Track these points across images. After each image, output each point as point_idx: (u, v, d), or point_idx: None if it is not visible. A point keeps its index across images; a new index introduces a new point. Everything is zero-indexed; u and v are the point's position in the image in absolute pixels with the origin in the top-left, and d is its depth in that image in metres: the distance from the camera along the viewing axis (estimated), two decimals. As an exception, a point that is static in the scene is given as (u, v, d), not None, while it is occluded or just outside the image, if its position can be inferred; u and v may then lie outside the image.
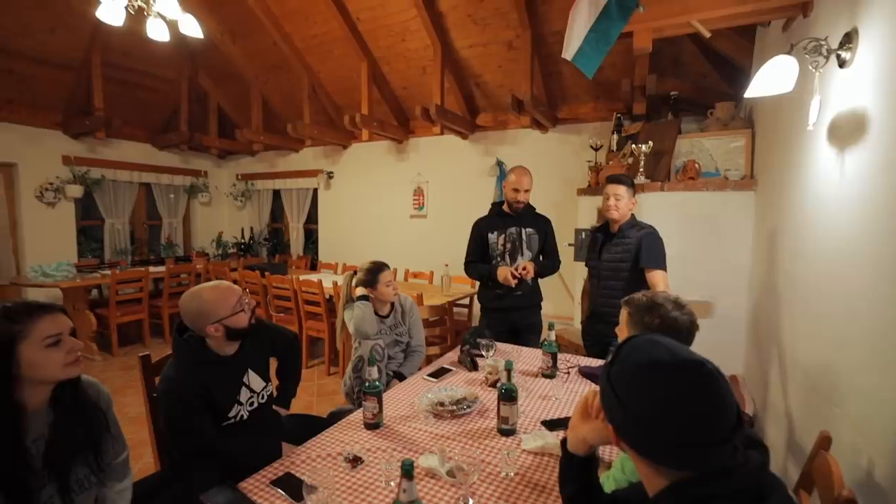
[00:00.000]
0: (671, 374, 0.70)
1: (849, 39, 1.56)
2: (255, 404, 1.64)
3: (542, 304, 2.82)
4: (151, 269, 5.09)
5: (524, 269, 2.51)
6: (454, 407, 1.69)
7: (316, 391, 3.72)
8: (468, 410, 1.69)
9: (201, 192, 6.84)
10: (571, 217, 3.97)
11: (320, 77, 5.34)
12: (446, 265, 4.18)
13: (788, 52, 1.68)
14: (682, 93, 3.56)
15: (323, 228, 6.44)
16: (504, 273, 2.53)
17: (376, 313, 2.25)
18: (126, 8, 2.58)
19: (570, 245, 3.71)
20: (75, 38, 4.71)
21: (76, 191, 5.37)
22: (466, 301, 4.38)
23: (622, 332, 1.42)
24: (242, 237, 6.88)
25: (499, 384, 1.60)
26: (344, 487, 1.26)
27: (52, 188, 5.23)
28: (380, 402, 1.60)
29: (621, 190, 2.31)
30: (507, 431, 1.55)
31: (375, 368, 1.61)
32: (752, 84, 1.79)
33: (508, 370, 1.58)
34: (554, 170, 4.50)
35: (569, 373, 2.09)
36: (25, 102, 4.97)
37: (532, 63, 3.99)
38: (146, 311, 4.78)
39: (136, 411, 2.93)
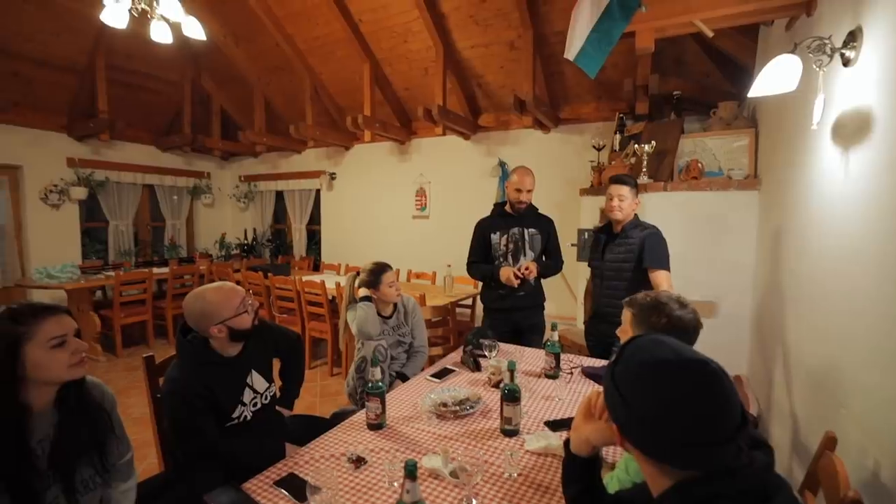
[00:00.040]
0: (676, 373, 0.70)
1: (853, 38, 1.55)
2: (259, 405, 1.64)
3: (545, 304, 2.82)
4: (155, 270, 5.11)
5: (527, 268, 2.51)
6: (457, 407, 1.69)
7: (319, 392, 3.72)
8: (471, 411, 1.69)
9: (204, 194, 6.87)
10: (574, 217, 3.96)
11: (322, 78, 5.35)
12: (449, 266, 4.18)
13: (792, 51, 1.67)
14: (684, 92, 3.55)
15: (326, 229, 6.45)
16: (507, 273, 2.53)
17: (379, 314, 2.25)
18: (130, 11, 2.59)
19: (572, 245, 3.70)
20: (79, 41, 4.74)
21: (80, 193, 5.40)
22: (469, 301, 4.38)
23: (625, 332, 1.41)
24: (245, 238, 6.91)
25: (502, 385, 1.59)
26: (347, 488, 1.26)
27: (56, 190, 5.26)
28: (383, 403, 1.60)
29: (625, 190, 2.31)
30: (510, 432, 1.55)
31: (378, 369, 1.61)
32: (756, 83, 1.78)
33: (511, 371, 1.58)
34: (556, 170, 4.49)
35: (572, 373, 2.09)
36: (30, 105, 5.00)
37: (534, 63, 3.99)
38: (150, 312, 4.79)
39: (141, 412, 2.94)
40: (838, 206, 1.67)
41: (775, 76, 1.71)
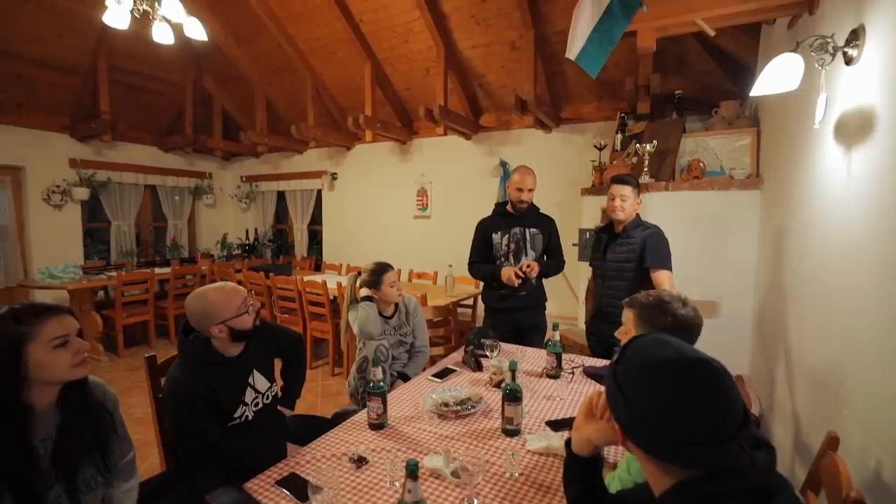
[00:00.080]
0: (678, 372, 0.70)
1: (855, 36, 1.55)
2: (260, 405, 1.64)
3: (547, 304, 2.82)
4: (157, 270, 5.13)
5: (528, 266, 2.51)
6: (458, 407, 1.69)
7: (320, 392, 3.72)
8: (472, 411, 1.69)
9: (206, 194, 6.89)
10: (575, 217, 3.96)
11: (324, 79, 5.36)
12: (450, 266, 4.18)
13: (794, 50, 1.67)
14: (686, 92, 3.54)
15: (327, 229, 6.46)
16: (508, 273, 2.53)
17: (380, 314, 2.25)
18: (131, 12, 2.60)
19: (574, 245, 3.70)
20: (82, 42, 4.75)
21: (82, 193, 5.42)
22: (470, 301, 4.38)
23: (627, 333, 1.41)
24: (247, 238, 6.92)
25: (503, 384, 1.59)
26: (349, 488, 1.26)
27: (58, 191, 5.28)
28: (384, 403, 1.60)
29: (627, 190, 2.30)
30: (511, 432, 1.54)
31: (380, 369, 1.61)
32: (758, 82, 1.78)
33: (513, 370, 1.57)
34: (558, 170, 4.49)
35: (573, 373, 2.08)
36: (33, 106, 5.02)
37: (535, 63, 3.99)
38: (152, 312, 4.81)
39: (143, 412, 2.95)
40: (840, 205, 1.67)
41: (777, 75, 1.70)
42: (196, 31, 2.80)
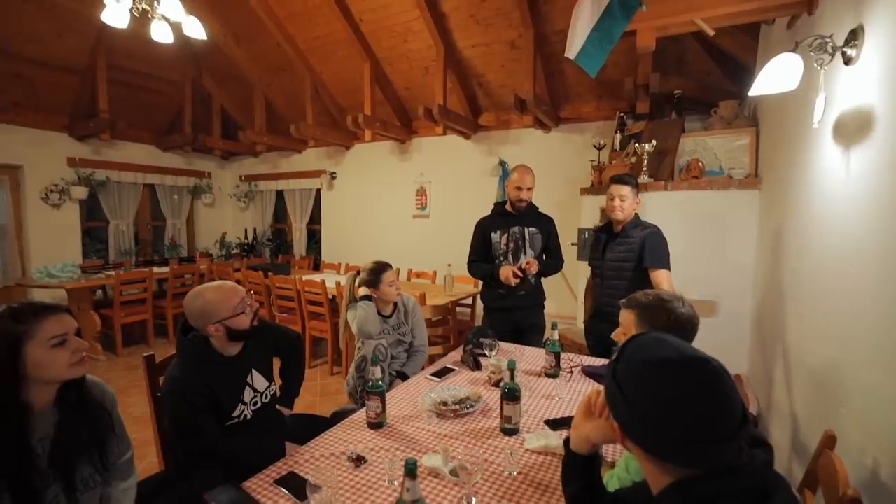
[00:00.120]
0: (678, 371, 0.70)
1: (854, 37, 1.55)
2: (259, 404, 1.64)
3: (545, 303, 2.82)
4: (155, 269, 5.12)
5: (528, 263, 2.51)
6: (457, 406, 1.69)
7: (319, 391, 3.72)
8: (471, 410, 1.69)
9: (205, 193, 6.88)
10: (574, 216, 3.96)
11: (323, 78, 5.35)
12: (449, 265, 4.18)
13: (793, 50, 1.67)
14: (685, 91, 3.54)
15: (326, 229, 6.46)
16: (506, 273, 2.53)
17: (379, 313, 2.25)
18: (130, 11, 2.60)
19: (573, 244, 3.70)
20: (81, 41, 4.74)
21: (81, 192, 5.41)
22: (469, 301, 4.38)
23: (626, 334, 1.40)
24: (246, 238, 6.91)
25: (502, 384, 1.59)
26: (347, 486, 1.26)
27: (57, 190, 5.27)
28: (383, 402, 1.60)
29: (626, 190, 2.30)
30: (510, 431, 1.55)
31: (378, 368, 1.61)
32: (757, 82, 1.78)
33: (511, 370, 1.58)
34: (557, 169, 4.49)
35: (572, 372, 2.09)
36: (32, 105, 5.01)
37: (535, 62, 3.99)
38: (150, 311, 4.80)
39: (141, 411, 2.94)
40: (839, 205, 1.67)
41: (776, 75, 1.70)
42: (195, 30, 2.79)
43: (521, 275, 2.52)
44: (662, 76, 3.52)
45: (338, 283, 3.97)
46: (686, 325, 1.27)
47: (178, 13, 2.68)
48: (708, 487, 0.66)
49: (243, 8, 4.62)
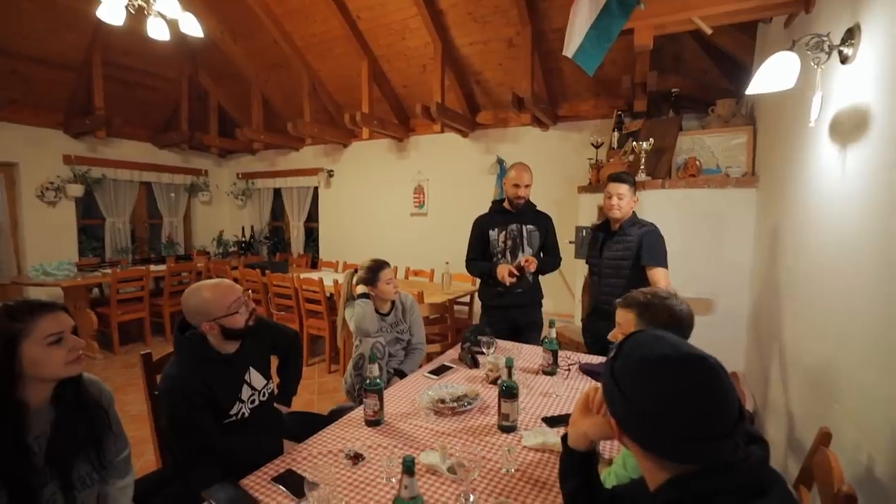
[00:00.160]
0: (676, 369, 0.70)
1: (851, 35, 1.55)
2: (257, 402, 1.64)
3: (543, 301, 2.82)
4: (152, 267, 5.09)
5: (527, 261, 2.51)
6: (455, 404, 1.70)
7: (317, 389, 3.72)
8: (469, 407, 1.70)
9: (202, 191, 6.85)
10: (572, 215, 3.96)
11: (321, 75, 5.33)
12: (447, 263, 4.18)
13: (790, 49, 1.68)
14: (683, 90, 3.55)
15: (323, 227, 6.45)
16: (502, 272, 2.53)
17: (377, 311, 2.25)
18: (126, 7, 2.58)
19: (570, 242, 3.70)
20: (76, 38, 4.71)
21: (77, 190, 5.38)
22: (467, 299, 4.38)
23: (625, 333, 1.41)
24: (243, 236, 6.89)
25: (499, 381, 1.60)
26: (345, 484, 1.26)
27: (52, 187, 5.24)
28: (381, 400, 1.60)
29: (623, 189, 2.31)
30: (507, 428, 1.55)
31: (376, 366, 1.61)
32: (754, 81, 1.78)
33: (509, 367, 1.58)
34: (554, 167, 4.49)
35: (569, 370, 2.09)
36: (27, 102, 4.98)
37: (532, 60, 3.98)
38: (147, 309, 4.79)
39: (138, 409, 2.94)
40: (836, 203, 1.68)
41: (773, 73, 1.71)
42: (191, 27, 2.78)
43: (518, 273, 2.52)
44: (660, 74, 3.52)
45: (335, 282, 3.96)
46: (683, 322, 1.28)
47: (174, 10, 2.67)
48: (705, 483, 0.66)
49: (240, 4, 4.59)
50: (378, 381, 1.59)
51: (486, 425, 1.60)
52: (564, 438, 0.97)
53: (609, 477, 1.12)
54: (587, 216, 3.68)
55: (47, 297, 1.31)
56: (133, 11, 2.61)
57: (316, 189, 6.42)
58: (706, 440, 0.66)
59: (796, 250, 2.07)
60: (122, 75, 5.32)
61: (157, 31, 2.75)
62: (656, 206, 2.95)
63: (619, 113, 3.89)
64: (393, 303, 2.34)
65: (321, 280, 3.99)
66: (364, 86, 4.77)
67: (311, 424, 1.69)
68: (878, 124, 1.40)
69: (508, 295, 2.63)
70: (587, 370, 2.10)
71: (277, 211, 7.05)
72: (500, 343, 2.42)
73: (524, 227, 2.65)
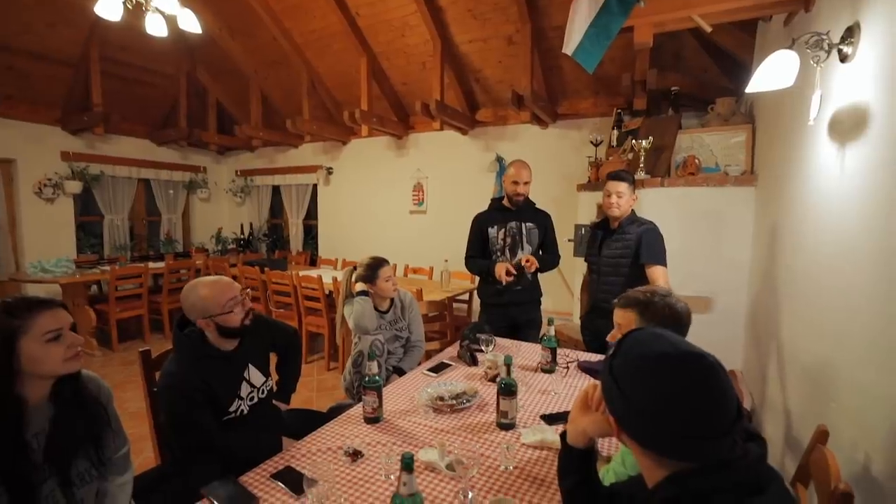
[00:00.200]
0: (675, 367, 0.70)
1: (850, 34, 1.55)
2: (256, 399, 1.64)
3: (542, 299, 2.82)
4: (151, 264, 5.09)
5: (527, 261, 2.51)
6: (454, 401, 1.70)
7: (316, 386, 3.73)
8: (468, 405, 1.70)
9: (200, 188, 6.84)
10: (571, 213, 3.96)
11: (319, 72, 5.32)
12: (446, 261, 4.18)
13: (789, 47, 1.67)
14: (682, 88, 3.55)
15: (322, 224, 6.44)
16: (500, 271, 2.53)
17: (376, 309, 2.25)
18: (124, 3, 2.57)
19: (569, 241, 3.70)
20: (74, 33, 4.69)
21: (75, 187, 5.36)
22: (466, 296, 4.38)
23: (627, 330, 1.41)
24: (242, 233, 6.88)
25: (498, 379, 1.60)
26: (344, 481, 1.26)
27: (50, 184, 5.22)
28: (379, 397, 1.60)
29: (622, 187, 2.31)
30: (506, 426, 1.55)
31: (375, 363, 1.61)
32: (753, 79, 1.78)
33: (508, 365, 1.58)
34: (554, 165, 4.49)
35: (568, 367, 2.10)
36: (24, 99, 4.96)
37: (532, 58, 3.97)
38: (146, 306, 4.78)
39: (137, 406, 2.94)
40: (834, 202, 1.68)
41: (773, 72, 1.71)
42: (190, 23, 2.77)
43: (515, 272, 2.52)
44: (659, 73, 3.52)
45: (334, 279, 3.96)
46: (682, 320, 1.29)
47: (172, 6, 2.66)
48: (703, 481, 0.66)
49: (238, 0, 4.57)
50: (377, 378, 1.59)
51: (485, 423, 1.60)
52: (563, 436, 0.97)
53: (607, 474, 1.12)
54: (586, 214, 3.68)
55: (45, 294, 1.31)
56: (131, 7, 2.60)
57: (315, 186, 6.41)
58: (705, 438, 0.66)
59: (795, 249, 2.08)
60: (120, 71, 5.30)
61: (155, 26, 2.74)
62: (655, 204, 2.95)
63: (619, 111, 3.89)
64: (392, 300, 2.34)
65: (320, 277, 3.99)
66: (363, 83, 4.76)
67: (310, 421, 1.69)
68: (878, 123, 1.40)
69: (507, 293, 2.63)
70: (586, 368, 2.10)
71: (276, 208, 7.04)
72: (499, 341, 2.42)
73: (523, 225, 2.65)
